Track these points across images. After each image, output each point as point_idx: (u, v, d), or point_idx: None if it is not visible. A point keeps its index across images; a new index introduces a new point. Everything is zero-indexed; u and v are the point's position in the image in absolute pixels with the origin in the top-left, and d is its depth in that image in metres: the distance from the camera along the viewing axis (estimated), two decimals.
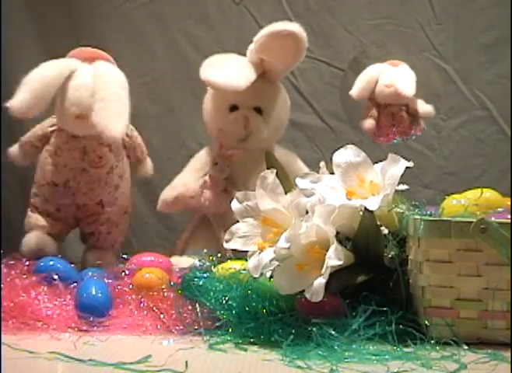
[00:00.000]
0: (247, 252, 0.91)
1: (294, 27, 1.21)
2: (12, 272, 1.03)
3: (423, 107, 1.28)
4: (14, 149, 1.28)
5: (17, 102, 1.10)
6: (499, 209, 0.89)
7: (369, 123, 1.27)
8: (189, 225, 1.30)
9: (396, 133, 1.27)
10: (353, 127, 1.50)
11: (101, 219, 1.25)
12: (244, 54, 1.28)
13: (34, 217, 1.23)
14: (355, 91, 1.27)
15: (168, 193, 1.28)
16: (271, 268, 0.88)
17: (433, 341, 0.83)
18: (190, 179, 1.28)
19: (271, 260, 0.88)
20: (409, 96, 1.25)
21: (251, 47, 1.25)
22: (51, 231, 1.22)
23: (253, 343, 0.85)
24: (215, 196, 1.24)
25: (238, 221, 0.92)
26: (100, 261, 1.17)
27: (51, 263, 1.04)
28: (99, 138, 1.17)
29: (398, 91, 1.24)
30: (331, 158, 0.92)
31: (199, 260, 1.03)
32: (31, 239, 1.20)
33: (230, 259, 1.02)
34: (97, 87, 1.15)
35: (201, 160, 1.29)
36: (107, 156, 1.22)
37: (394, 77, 1.26)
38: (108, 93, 1.14)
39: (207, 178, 1.25)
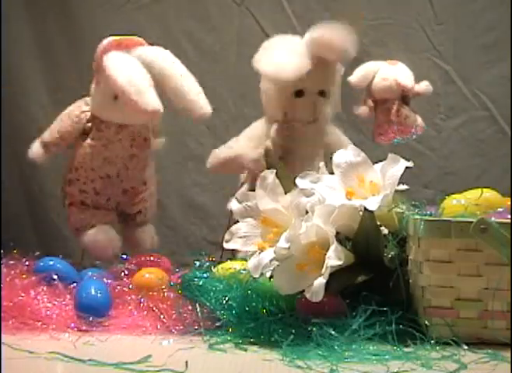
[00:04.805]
0: (246, 252, 0.91)
1: (331, 34, 1.18)
2: (12, 272, 1.02)
3: (420, 87, 1.28)
4: (37, 150, 1.22)
5: (155, 103, 1.11)
6: (499, 209, 0.89)
7: (362, 110, 1.30)
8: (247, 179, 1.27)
9: (395, 130, 1.26)
10: (353, 127, 1.50)
11: (145, 196, 1.26)
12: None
13: (90, 213, 1.21)
14: (354, 78, 1.28)
15: (225, 151, 1.24)
16: (271, 268, 0.88)
17: (433, 341, 0.82)
18: (245, 145, 1.25)
19: (271, 260, 0.87)
20: (408, 86, 1.26)
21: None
22: (108, 223, 1.22)
23: (253, 343, 0.84)
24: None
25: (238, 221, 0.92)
26: (152, 236, 1.26)
27: (51, 263, 1.03)
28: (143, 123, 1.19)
29: (398, 81, 1.26)
30: (330, 158, 0.92)
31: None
32: (98, 235, 1.19)
33: (230, 259, 1.01)
34: (168, 71, 1.17)
35: (257, 132, 1.26)
36: (149, 137, 1.24)
37: (392, 73, 1.28)
38: (184, 72, 1.18)
39: (269, 143, 1.22)
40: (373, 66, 1.30)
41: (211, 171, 1.27)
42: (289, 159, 1.23)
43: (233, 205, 0.93)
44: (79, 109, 1.23)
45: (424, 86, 1.29)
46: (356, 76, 1.28)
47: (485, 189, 0.91)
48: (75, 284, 0.98)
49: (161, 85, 1.17)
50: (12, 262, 1.06)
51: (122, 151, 1.21)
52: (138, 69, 1.14)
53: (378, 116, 1.29)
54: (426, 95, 1.30)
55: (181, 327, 0.89)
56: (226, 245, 0.92)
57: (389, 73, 1.28)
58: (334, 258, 0.84)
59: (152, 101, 1.11)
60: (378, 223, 0.90)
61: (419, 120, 1.30)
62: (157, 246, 1.27)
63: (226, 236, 0.92)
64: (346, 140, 1.29)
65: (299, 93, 1.23)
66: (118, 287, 0.99)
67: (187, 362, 0.75)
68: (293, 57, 1.19)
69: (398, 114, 1.27)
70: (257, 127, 1.27)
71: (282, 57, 1.19)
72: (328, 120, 1.26)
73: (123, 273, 1.04)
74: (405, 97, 1.29)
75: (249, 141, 1.25)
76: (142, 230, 1.27)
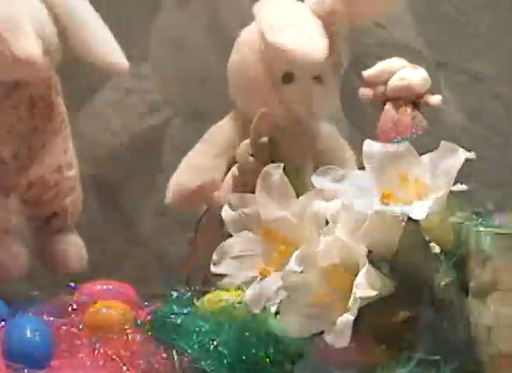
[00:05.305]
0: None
1: None
2: None
3: (433, 99, 1.24)
4: None
5: (31, 49, 0.93)
6: None
7: (366, 91, 1.19)
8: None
9: (399, 129, 1.21)
10: (354, 126, 1.35)
11: (63, 189, 1.06)
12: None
13: None
14: (369, 71, 1.19)
15: (190, 180, 1.03)
16: (278, 301, 0.77)
17: None
18: (212, 165, 1.04)
19: (278, 290, 0.77)
20: (418, 91, 1.22)
21: None
22: (9, 231, 1.05)
23: None
24: None
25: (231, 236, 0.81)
26: (78, 251, 1.06)
27: None
28: (46, 81, 1.01)
29: (411, 84, 1.21)
30: None
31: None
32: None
33: (220, 288, 0.87)
34: (77, 12, 1.01)
35: (223, 140, 1.06)
36: (58, 103, 1.05)
37: (410, 75, 1.24)
38: (95, 18, 1.03)
39: (235, 171, 1.01)
40: (394, 64, 1.25)
41: (173, 206, 1.07)
42: None
43: (225, 213, 0.81)
44: None
45: (437, 100, 1.25)
46: (374, 69, 1.22)
47: None
48: (3, 323, 0.84)
49: (65, 29, 1.00)
50: None
51: (18, 123, 1.01)
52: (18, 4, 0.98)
53: (385, 114, 1.23)
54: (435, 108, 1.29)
55: None
56: (213, 269, 0.79)
57: (408, 74, 1.25)
58: (365, 286, 0.73)
59: (28, 45, 0.93)
60: (427, 238, 0.78)
61: (424, 121, 1.24)
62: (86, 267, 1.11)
63: (215, 256, 0.79)
64: (346, 145, 1.15)
65: (287, 78, 1.05)
66: (64, 328, 0.85)
67: None
68: (314, 30, 1.04)
69: (406, 113, 1.24)
70: (222, 137, 1.07)
71: (303, 31, 1.03)
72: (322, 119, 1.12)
73: (71, 308, 0.89)
74: (416, 103, 1.26)
75: (211, 161, 1.04)
76: (61, 241, 1.08)
